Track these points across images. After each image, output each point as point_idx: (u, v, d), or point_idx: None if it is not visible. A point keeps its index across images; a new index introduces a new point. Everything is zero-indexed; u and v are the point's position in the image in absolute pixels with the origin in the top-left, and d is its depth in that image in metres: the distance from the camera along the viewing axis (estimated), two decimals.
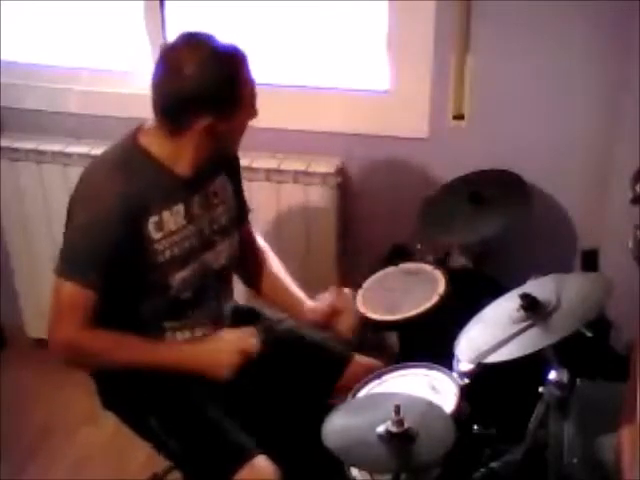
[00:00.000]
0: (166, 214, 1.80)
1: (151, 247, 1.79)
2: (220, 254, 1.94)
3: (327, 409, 1.59)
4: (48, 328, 1.78)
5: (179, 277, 1.83)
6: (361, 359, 2.07)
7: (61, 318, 1.77)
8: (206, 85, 1.69)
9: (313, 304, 2.05)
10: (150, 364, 1.80)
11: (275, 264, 2.12)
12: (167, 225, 1.81)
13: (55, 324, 1.78)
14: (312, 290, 2.47)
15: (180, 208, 1.83)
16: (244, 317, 2.06)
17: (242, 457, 1.78)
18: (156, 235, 1.79)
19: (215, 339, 1.86)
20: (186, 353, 1.85)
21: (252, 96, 1.79)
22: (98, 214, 1.73)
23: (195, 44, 1.71)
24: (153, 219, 1.78)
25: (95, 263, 1.74)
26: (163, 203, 1.80)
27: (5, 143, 2.72)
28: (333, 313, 2.01)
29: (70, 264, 1.77)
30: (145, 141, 1.80)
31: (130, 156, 1.79)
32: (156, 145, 1.79)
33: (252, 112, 1.81)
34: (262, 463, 1.78)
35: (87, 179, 1.82)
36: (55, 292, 1.78)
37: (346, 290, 2.05)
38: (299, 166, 2.54)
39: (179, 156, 1.79)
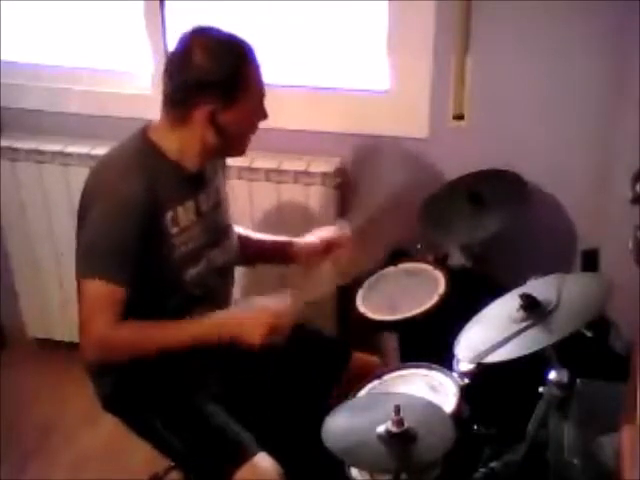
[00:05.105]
0: (180, 209, 1.82)
1: (169, 242, 1.79)
2: (224, 252, 1.95)
3: (327, 409, 1.59)
4: (80, 330, 1.75)
5: (193, 273, 1.84)
6: (360, 357, 2.07)
7: (92, 318, 1.73)
8: (210, 71, 1.72)
9: (307, 241, 2.08)
10: (185, 342, 1.75)
11: (247, 231, 2.16)
12: (181, 221, 1.82)
13: (86, 325, 1.74)
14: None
15: (191, 204, 1.85)
16: None
17: (243, 455, 1.78)
18: (173, 230, 1.80)
19: (246, 308, 1.81)
20: (216, 327, 1.78)
21: (258, 91, 1.81)
22: (118, 209, 1.73)
23: (204, 34, 1.76)
24: (169, 214, 1.79)
25: (120, 258, 1.73)
26: (176, 198, 1.82)
27: (5, 143, 2.72)
28: (330, 247, 2.05)
29: (94, 262, 1.75)
30: (155, 137, 1.81)
31: (143, 152, 1.80)
32: (165, 140, 1.81)
33: (260, 111, 1.82)
34: (263, 460, 1.79)
35: (102, 175, 1.82)
36: (83, 293, 1.75)
37: (343, 223, 2.10)
38: (299, 166, 2.54)
39: (186, 149, 1.81)
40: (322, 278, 2.25)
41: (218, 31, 1.77)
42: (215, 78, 1.72)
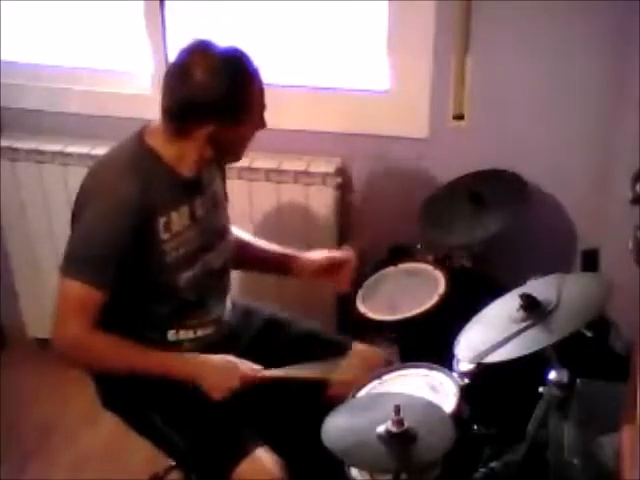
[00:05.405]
0: (174, 215, 1.81)
1: (160, 247, 1.79)
2: (220, 254, 1.95)
3: (327, 407, 1.59)
4: (53, 328, 1.77)
5: (185, 277, 1.84)
6: (360, 348, 2.06)
7: (68, 318, 1.75)
8: (213, 93, 1.71)
9: (311, 256, 2.09)
10: (151, 370, 1.79)
11: (250, 237, 2.16)
12: (174, 226, 1.82)
13: (61, 324, 1.76)
14: (311, 291, 2.48)
15: (185, 209, 1.85)
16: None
17: (244, 449, 1.78)
18: (164, 235, 1.80)
19: (222, 359, 1.85)
20: (190, 365, 1.83)
21: (260, 108, 1.81)
22: (110, 212, 1.73)
23: (207, 52, 1.73)
24: (162, 220, 1.79)
25: (106, 262, 1.73)
26: (171, 204, 1.81)
27: (5, 143, 2.72)
28: (333, 265, 2.05)
29: (79, 263, 1.75)
30: (152, 142, 1.81)
31: (138, 156, 1.80)
32: (162, 146, 1.80)
33: (259, 123, 1.83)
34: (264, 455, 1.79)
35: (97, 178, 1.82)
36: (62, 292, 1.76)
37: (346, 247, 2.10)
38: (299, 166, 2.54)
39: (183, 157, 1.81)
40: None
41: (219, 48, 1.74)
42: (217, 99, 1.71)
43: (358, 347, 2.05)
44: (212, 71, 1.70)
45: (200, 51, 1.74)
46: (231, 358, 1.85)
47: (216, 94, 1.71)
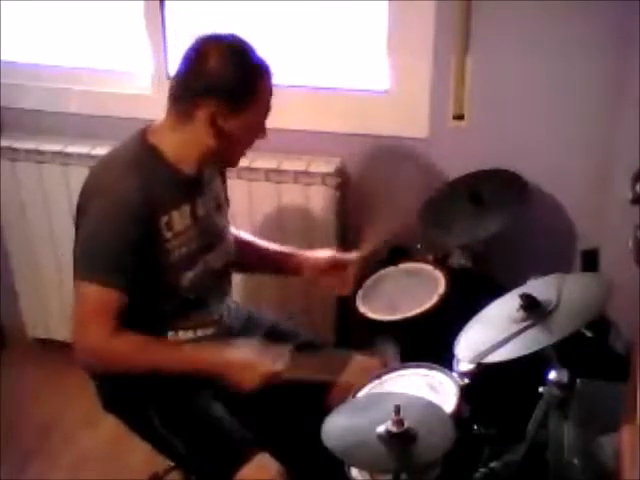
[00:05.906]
0: (175, 214, 1.81)
1: (164, 246, 1.79)
2: (220, 255, 1.95)
3: (326, 410, 1.59)
4: (74, 337, 1.74)
5: (188, 277, 1.84)
6: (359, 359, 2.06)
7: (87, 324, 1.72)
8: (223, 76, 1.72)
9: (314, 255, 2.10)
10: (179, 370, 1.77)
11: (251, 236, 2.16)
12: (176, 225, 1.82)
13: (81, 332, 1.74)
14: (312, 291, 2.48)
15: (187, 208, 1.85)
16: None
17: (245, 455, 1.78)
18: (167, 235, 1.80)
19: (249, 356, 1.80)
20: (217, 359, 1.79)
21: (265, 107, 1.82)
22: (113, 211, 1.72)
23: (221, 41, 1.76)
24: (164, 219, 1.79)
25: (119, 262, 1.72)
26: (172, 203, 1.81)
27: (5, 143, 2.72)
28: (335, 266, 2.06)
29: (90, 265, 1.74)
30: (154, 139, 1.81)
31: (141, 155, 1.80)
32: (164, 143, 1.80)
33: (260, 128, 1.84)
34: (265, 461, 1.78)
35: (99, 177, 1.82)
36: (79, 297, 1.74)
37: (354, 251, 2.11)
38: (299, 166, 2.54)
39: (185, 152, 1.81)
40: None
41: (236, 38, 1.77)
42: (226, 83, 1.72)
43: (357, 358, 2.05)
44: (224, 56, 1.73)
45: (214, 40, 1.76)
46: (255, 354, 1.79)
47: (225, 76, 1.72)
